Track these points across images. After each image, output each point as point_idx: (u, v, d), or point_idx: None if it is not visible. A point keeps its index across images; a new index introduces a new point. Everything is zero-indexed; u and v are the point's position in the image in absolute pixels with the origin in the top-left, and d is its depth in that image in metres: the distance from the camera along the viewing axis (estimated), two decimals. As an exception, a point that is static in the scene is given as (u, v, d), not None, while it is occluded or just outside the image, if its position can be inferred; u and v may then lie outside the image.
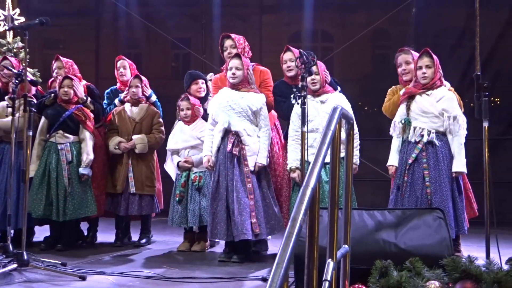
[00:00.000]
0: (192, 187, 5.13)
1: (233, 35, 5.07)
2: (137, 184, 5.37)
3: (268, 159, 4.73)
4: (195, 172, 5.16)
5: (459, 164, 4.27)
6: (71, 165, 5.13)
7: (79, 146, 5.22)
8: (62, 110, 5.19)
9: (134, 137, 5.40)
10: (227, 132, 4.66)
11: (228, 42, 5.06)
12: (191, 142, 5.22)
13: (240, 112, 4.64)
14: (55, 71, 5.57)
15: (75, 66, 5.60)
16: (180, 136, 5.27)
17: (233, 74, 4.70)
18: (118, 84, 5.83)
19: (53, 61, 5.63)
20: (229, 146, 4.60)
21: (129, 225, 5.70)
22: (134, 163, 5.41)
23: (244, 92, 4.71)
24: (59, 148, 5.14)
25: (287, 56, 4.91)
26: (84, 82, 5.60)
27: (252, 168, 4.60)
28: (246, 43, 5.13)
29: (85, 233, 5.68)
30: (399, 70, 4.78)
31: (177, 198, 5.14)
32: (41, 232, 5.57)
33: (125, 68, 5.78)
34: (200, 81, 5.47)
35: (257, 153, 4.63)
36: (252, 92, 4.73)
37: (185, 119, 5.27)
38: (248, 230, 4.49)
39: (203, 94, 5.46)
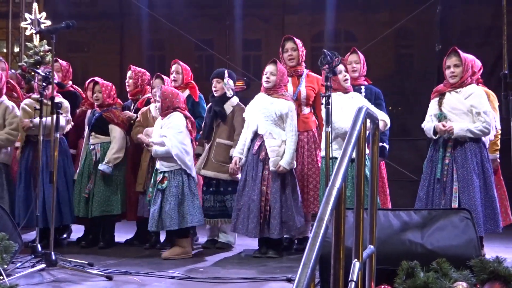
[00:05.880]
0: (155, 187, 4.82)
1: (295, 38, 5.18)
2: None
3: (295, 163, 4.85)
4: (161, 172, 4.82)
5: (458, 127, 4.24)
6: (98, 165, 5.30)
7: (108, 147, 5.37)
8: (95, 113, 5.43)
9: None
10: (256, 135, 4.88)
11: (289, 44, 5.18)
12: (158, 139, 4.85)
13: (268, 116, 4.83)
14: (127, 80, 5.70)
15: (145, 77, 5.69)
16: (155, 130, 4.99)
17: (268, 78, 4.91)
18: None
19: (127, 70, 5.77)
20: (255, 148, 4.83)
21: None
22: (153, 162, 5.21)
23: (274, 98, 4.89)
24: (90, 148, 5.33)
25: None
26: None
27: (273, 169, 4.74)
28: (303, 47, 5.24)
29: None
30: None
31: (147, 199, 4.96)
32: (77, 233, 5.78)
33: (178, 73, 5.65)
34: (215, 80, 5.32)
35: (280, 155, 4.76)
36: (282, 99, 4.88)
37: (158, 112, 5.00)
38: (254, 230, 4.74)
39: (217, 93, 5.31)
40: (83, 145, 5.52)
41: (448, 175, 4.26)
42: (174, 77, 5.63)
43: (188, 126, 4.92)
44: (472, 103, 4.30)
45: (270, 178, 4.77)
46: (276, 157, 4.75)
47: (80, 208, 5.26)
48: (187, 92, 5.57)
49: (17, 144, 5.45)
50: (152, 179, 4.91)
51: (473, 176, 4.20)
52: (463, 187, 4.19)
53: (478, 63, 4.51)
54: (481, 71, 4.56)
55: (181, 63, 5.76)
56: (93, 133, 5.36)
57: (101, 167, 5.23)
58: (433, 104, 4.47)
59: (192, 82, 5.74)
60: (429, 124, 4.45)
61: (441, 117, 4.37)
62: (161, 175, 4.82)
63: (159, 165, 4.87)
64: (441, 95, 4.44)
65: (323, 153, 4.54)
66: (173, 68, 5.70)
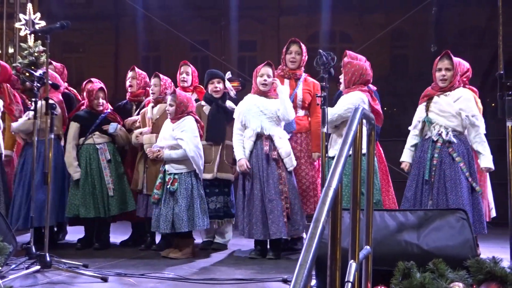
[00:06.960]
0: (166, 190, 4.80)
1: (301, 43, 5.20)
2: (150, 184, 5.19)
3: (295, 162, 4.92)
4: (170, 174, 4.82)
5: (487, 160, 4.32)
6: (110, 164, 5.35)
7: (113, 146, 5.46)
8: (94, 113, 5.40)
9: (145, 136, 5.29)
10: (259, 136, 4.83)
11: (294, 47, 5.19)
12: (169, 141, 4.87)
13: (271, 117, 4.83)
14: (129, 80, 5.70)
15: (147, 79, 5.69)
16: (163, 133, 4.99)
17: (265, 81, 4.89)
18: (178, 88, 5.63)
19: (129, 70, 5.77)
20: (266, 149, 4.77)
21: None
22: (149, 163, 5.23)
23: (272, 99, 4.89)
24: (98, 148, 5.35)
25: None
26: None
27: (290, 168, 4.82)
28: (306, 54, 5.24)
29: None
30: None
31: (152, 201, 4.91)
32: (72, 234, 5.78)
33: (187, 74, 5.64)
34: (216, 80, 5.31)
35: (290, 154, 4.82)
36: (279, 99, 4.87)
37: (169, 115, 4.97)
38: (283, 229, 4.69)
39: (219, 94, 5.31)
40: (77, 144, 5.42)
41: (436, 175, 4.29)
42: (184, 77, 5.62)
43: (200, 130, 4.96)
44: (461, 106, 4.37)
45: (285, 177, 4.77)
46: (290, 157, 4.80)
47: (100, 208, 5.25)
48: (194, 95, 5.58)
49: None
50: (160, 181, 4.87)
51: (461, 176, 4.23)
52: (451, 187, 4.22)
53: (465, 65, 4.57)
54: (468, 73, 4.60)
55: (190, 64, 5.75)
56: (97, 133, 5.36)
57: (111, 126, 5.32)
58: (421, 109, 4.52)
59: (200, 86, 5.72)
60: (411, 138, 4.53)
61: (427, 122, 4.43)
62: (171, 177, 4.81)
63: (168, 167, 4.86)
64: (429, 99, 4.48)
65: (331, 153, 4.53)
66: (182, 69, 5.68)
